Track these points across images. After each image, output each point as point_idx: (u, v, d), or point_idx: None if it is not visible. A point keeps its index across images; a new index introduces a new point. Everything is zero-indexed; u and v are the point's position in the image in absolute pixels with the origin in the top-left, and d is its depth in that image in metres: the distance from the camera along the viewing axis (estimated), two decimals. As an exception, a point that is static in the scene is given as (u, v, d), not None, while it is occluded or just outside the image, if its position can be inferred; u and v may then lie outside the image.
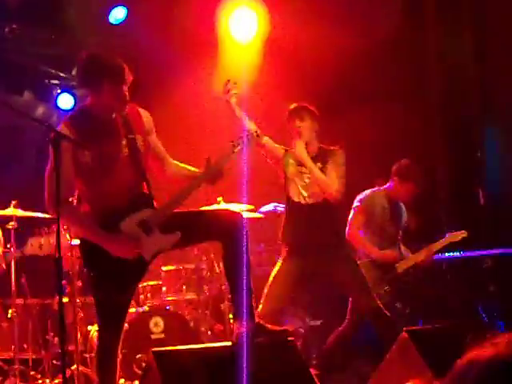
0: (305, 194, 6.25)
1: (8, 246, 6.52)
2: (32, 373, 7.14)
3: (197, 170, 4.90)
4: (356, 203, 7.15)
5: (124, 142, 4.61)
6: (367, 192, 7.20)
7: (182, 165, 4.96)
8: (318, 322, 7.00)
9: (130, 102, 4.65)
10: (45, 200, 4.52)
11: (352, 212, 7.12)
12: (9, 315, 7.04)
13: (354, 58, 8.80)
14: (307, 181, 6.25)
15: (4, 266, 5.98)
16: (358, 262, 6.78)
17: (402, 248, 7.25)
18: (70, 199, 4.61)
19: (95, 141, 4.52)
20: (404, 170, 7.14)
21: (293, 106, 6.27)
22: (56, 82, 9.28)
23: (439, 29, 9.38)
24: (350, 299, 6.93)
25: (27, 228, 6.65)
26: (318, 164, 6.18)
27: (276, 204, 7.99)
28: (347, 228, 7.04)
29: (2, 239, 6.11)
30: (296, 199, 6.25)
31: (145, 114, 4.83)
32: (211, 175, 4.83)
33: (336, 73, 8.80)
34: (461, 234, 7.34)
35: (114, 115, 4.63)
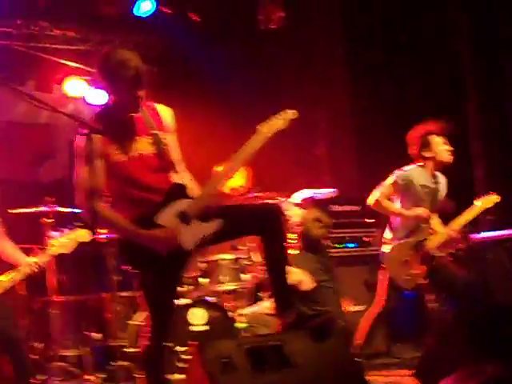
0: None
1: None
2: (72, 369, 7.17)
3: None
4: (393, 178, 6.55)
5: (148, 140, 4.56)
6: (406, 168, 6.57)
7: (189, 182, 4.72)
8: (363, 308, 6.90)
9: (147, 100, 4.54)
10: (77, 200, 4.43)
11: (386, 182, 6.57)
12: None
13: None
14: None
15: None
16: (393, 245, 6.57)
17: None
18: (103, 199, 4.54)
19: (117, 140, 4.49)
20: (419, 139, 6.51)
21: None
22: (86, 78, 9.27)
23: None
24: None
25: (60, 223, 6.70)
26: None
27: (315, 190, 7.86)
28: (374, 195, 6.53)
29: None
30: None
31: (163, 112, 4.72)
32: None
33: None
34: (493, 199, 6.66)
35: (130, 115, 4.58)
